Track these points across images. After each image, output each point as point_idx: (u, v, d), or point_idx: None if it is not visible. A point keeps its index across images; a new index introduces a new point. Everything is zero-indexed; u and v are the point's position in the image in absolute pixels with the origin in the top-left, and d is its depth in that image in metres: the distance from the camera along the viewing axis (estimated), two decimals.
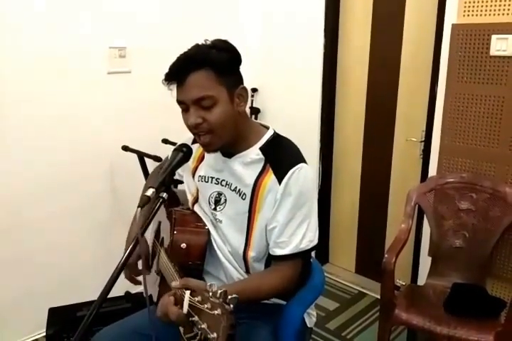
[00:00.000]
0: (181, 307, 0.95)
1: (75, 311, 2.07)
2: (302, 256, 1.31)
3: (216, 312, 0.84)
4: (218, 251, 1.37)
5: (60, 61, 2.20)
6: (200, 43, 1.25)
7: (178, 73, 1.21)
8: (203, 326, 0.87)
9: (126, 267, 1.39)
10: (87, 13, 2.25)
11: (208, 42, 1.24)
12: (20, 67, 2.09)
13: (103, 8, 2.30)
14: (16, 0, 2.01)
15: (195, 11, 2.68)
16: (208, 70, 1.19)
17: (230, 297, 0.85)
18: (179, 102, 1.24)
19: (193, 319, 0.91)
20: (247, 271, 1.36)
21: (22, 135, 2.14)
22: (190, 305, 0.92)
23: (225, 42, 1.25)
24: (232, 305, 0.84)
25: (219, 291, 0.86)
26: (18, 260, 2.22)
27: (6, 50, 2.03)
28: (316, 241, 1.32)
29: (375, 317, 2.54)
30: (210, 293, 0.87)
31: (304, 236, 1.28)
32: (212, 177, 1.39)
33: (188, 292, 0.94)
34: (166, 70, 1.23)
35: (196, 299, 0.91)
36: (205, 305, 0.87)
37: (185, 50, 1.25)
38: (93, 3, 2.26)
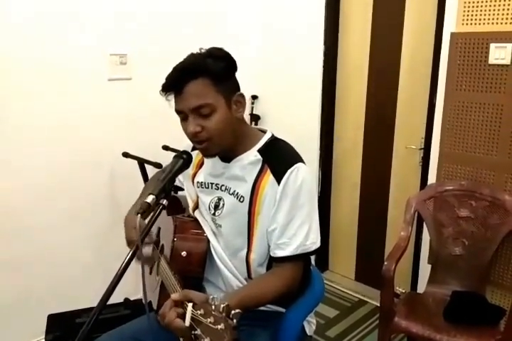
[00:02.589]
0: (183, 319, 0.94)
1: (74, 318, 2.06)
2: (303, 257, 1.30)
3: (219, 326, 0.83)
4: (217, 259, 1.37)
5: (61, 68, 2.21)
6: (195, 52, 1.25)
7: (175, 83, 1.22)
8: (205, 340, 0.86)
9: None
10: (88, 20, 2.26)
11: (203, 51, 1.25)
12: (21, 74, 2.10)
13: (104, 14, 2.31)
14: (18, 6, 2.03)
15: (195, 19, 2.70)
16: (205, 79, 1.20)
17: (233, 312, 0.85)
18: (178, 112, 1.25)
19: (196, 332, 0.90)
20: (249, 277, 1.35)
21: (23, 141, 2.15)
22: (192, 318, 0.91)
23: (220, 50, 1.25)
24: (235, 320, 0.84)
25: (222, 305, 0.85)
26: (18, 266, 2.22)
27: (6, 57, 2.04)
28: (318, 244, 1.30)
29: (374, 325, 2.54)
30: (213, 307, 0.86)
31: (306, 237, 1.27)
32: (211, 183, 1.40)
33: (190, 304, 0.93)
34: (163, 81, 1.24)
35: (199, 312, 0.90)
36: (208, 319, 0.86)
37: (183, 58, 1.25)
38: (94, 10, 2.27)
